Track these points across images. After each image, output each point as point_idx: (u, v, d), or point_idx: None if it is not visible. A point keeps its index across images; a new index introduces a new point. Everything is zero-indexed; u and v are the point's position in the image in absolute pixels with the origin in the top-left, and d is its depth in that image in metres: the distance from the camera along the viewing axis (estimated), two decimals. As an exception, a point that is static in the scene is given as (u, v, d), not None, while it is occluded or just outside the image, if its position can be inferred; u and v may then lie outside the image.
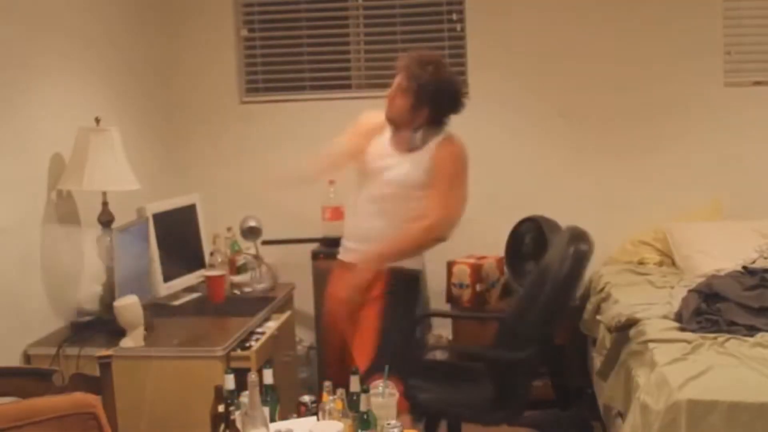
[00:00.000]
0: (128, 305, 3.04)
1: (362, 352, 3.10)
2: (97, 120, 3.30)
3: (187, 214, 3.87)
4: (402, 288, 3.20)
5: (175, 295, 3.67)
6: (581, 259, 3.08)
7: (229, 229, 4.04)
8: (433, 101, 3.11)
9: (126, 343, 3.02)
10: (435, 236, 3.14)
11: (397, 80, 3.14)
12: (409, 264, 3.21)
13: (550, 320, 3.14)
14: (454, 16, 4.46)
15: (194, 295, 3.75)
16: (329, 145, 3.38)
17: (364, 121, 3.32)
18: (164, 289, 3.58)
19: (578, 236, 3.15)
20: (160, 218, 3.59)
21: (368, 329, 3.15)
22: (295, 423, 2.35)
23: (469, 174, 3.17)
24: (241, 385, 2.30)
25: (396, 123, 3.18)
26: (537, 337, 3.10)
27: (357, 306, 3.18)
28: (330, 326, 3.33)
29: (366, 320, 3.17)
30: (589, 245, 3.10)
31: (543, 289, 3.13)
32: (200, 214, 3.94)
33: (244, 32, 4.59)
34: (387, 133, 3.23)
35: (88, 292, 3.39)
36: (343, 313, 3.22)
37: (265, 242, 4.04)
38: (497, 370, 3.21)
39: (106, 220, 3.33)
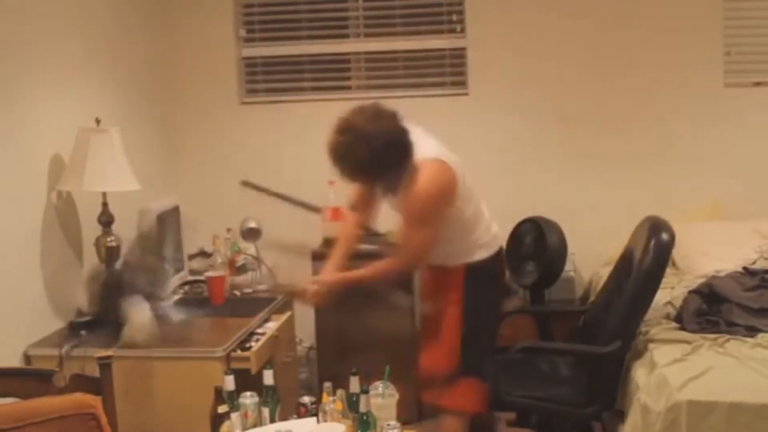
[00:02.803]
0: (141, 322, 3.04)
1: (436, 358, 3.08)
2: (97, 120, 3.30)
3: (171, 216, 3.81)
4: (482, 282, 3.11)
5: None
6: (663, 251, 3.06)
7: (228, 230, 4.04)
8: (376, 170, 2.85)
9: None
10: (399, 271, 3.14)
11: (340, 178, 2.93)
12: (480, 254, 3.10)
13: (635, 313, 3.12)
14: (454, 17, 4.46)
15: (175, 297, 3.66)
16: None
17: None
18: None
19: (658, 226, 3.12)
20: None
21: (448, 332, 3.07)
22: (295, 424, 2.35)
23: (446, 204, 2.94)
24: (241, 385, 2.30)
25: (386, 196, 3.05)
26: (623, 330, 3.09)
27: (430, 313, 3.19)
28: None
29: (445, 323, 3.09)
30: (670, 235, 3.07)
31: (627, 282, 3.12)
32: (182, 216, 3.90)
33: (244, 32, 4.58)
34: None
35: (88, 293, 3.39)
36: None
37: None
38: (586, 365, 3.20)
39: (106, 220, 3.34)
